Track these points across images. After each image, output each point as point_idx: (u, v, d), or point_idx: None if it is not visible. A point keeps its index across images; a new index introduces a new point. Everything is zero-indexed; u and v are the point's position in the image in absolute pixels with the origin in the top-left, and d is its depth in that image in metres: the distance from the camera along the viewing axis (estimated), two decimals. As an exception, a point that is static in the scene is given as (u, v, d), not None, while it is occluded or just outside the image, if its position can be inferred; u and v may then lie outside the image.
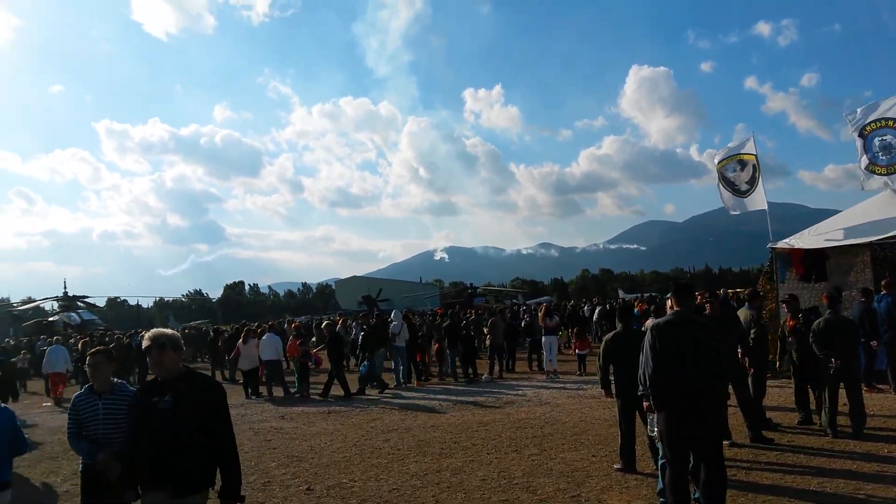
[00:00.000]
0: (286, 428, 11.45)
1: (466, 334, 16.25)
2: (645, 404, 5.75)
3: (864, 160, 12.01)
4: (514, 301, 54.36)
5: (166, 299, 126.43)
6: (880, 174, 11.85)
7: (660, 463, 5.76)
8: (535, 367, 18.56)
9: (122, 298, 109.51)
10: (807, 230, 13.72)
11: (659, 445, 5.74)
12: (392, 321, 16.53)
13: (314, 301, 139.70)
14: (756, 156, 14.13)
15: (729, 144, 14.79)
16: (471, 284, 56.79)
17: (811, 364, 8.78)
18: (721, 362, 5.24)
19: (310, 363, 16.32)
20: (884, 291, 11.42)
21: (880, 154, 11.83)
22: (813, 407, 9.23)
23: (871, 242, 14.47)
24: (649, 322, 8.63)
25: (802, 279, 14.03)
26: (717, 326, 8.37)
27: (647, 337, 5.31)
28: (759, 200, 14.11)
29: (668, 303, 5.76)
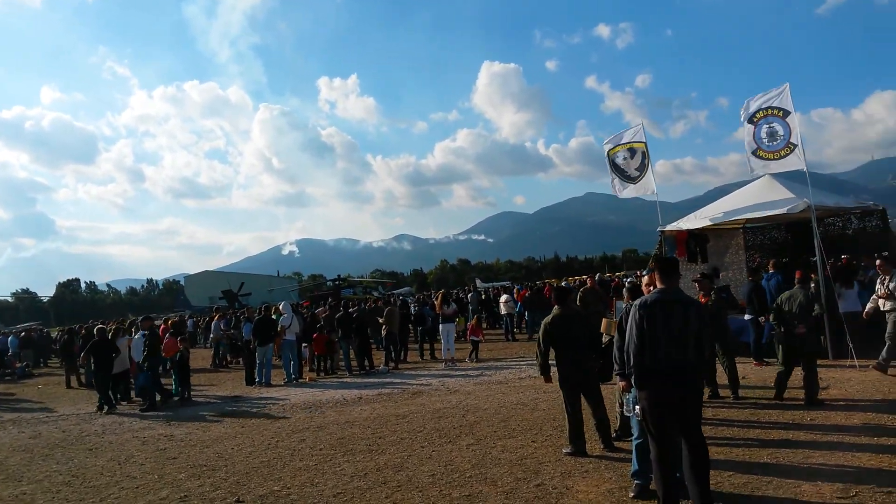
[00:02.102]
0: (178, 435, 10.29)
1: (360, 325, 15.53)
2: (621, 383, 5.53)
3: (752, 145, 12.66)
4: (385, 292, 53.72)
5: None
6: (767, 159, 12.54)
7: (634, 444, 5.57)
8: (426, 356, 18.26)
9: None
10: (693, 213, 14.34)
11: (634, 424, 5.56)
12: (282, 314, 15.54)
13: (161, 298, 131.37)
14: (645, 143, 14.57)
15: (620, 133, 15.12)
16: (338, 276, 55.59)
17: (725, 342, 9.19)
18: (708, 340, 5.10)
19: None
20: (771, 270, 12.13)
21: (766, 140, 12.52)
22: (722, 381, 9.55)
23: (743, 227, 15.45)
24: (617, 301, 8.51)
25: (688, 259, 14.72)
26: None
27: (633, 314, 5.06)
28: (649, 185, 14.56)
29: (645, 280, 5.55)
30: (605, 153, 15.19)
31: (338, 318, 15.88)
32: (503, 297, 22.73)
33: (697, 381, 5.11)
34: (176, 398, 14.15)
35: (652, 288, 5.31)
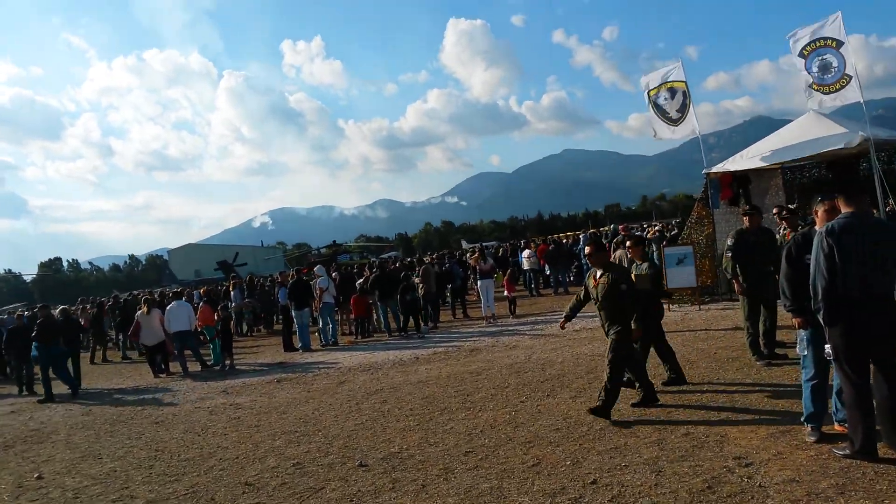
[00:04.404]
0: (243, 403, 9.87)
1: (408, 285, 15.01)
2: (797, 320, 5.17)
3: (808, 79, 12.26)
4: (373, 256, 53.09)
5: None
6: (822, 93, 12.16)
7: (809, 384, 5.21)
8: (458, 314, 17.91)
9: None
10: (739, 154, 13.95)
11: (808, 363, 5.20)
12: (318, 276, 15.06)
13: (146, 274, 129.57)
14: (685, 82, 14.09)
15: (661, 71, 14.61)
16: (333, 241, 54.91)
17: None
18: None
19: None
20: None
21: (820, 73, 12.13)
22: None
23: (781, 167, 15.11)
24: (729, 239, 8.19)
25: (731, 203, 14.40)
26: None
27: (819, 243, 4.68)
28: (690, 128, 14.14)
29: (823, 206, 5.10)
30: (646, 94, 14.69)
31: (374, 278, 15.40)
32: (525, 253, 22.39)
33: None
34: (217, 367, 13.71)
35: (833, 215, 4.91)
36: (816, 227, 5.14)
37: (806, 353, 5.19)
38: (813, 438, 5.13)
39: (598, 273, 6.65)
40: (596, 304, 6.70)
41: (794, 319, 5.19)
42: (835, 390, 5.19)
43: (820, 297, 4.67)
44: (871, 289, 4.55)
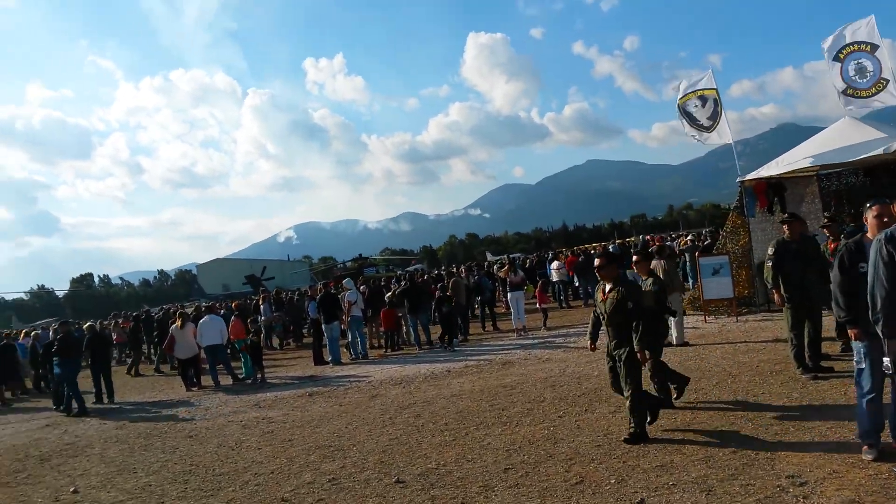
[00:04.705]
0: (276, 417, 9.83)
1: (444, 297, 14.88)
2: (852, 332, 4.97)
3: (841, 85, 12.00)
4: (400, 270, 53.01)
5: (7, 298, 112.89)
6: (859, 97, 11.90)
7: (864, 400, 4.99)
8: (488, 327, 17.74)
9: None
10: (774, 160, 13.66)
11: (865, 377, 4.97)
12: (347, 289, 15.03)
13: (174, 289, 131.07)
14: (716, 90, 13.90)
15: (691, 80, 14.44)
16: (359, 255, 55.17)
17: None
18: None
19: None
20: None
21: (856, 78, 11.87)
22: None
23: (818, 174, 14.75)
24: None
25: (767, 211, 14.10)
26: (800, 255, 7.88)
27: (879, 251, 4.48)
28: (723, 134, 13.93)
29: (873, 211, 4.91)
30: (677, 103, 14.53)
31: (403, 290, 15.33)
32: (554, 264, 22.18)
33: None
34: (248, 381, 13.73)
35: (882, 220, 4.71)
36: (869, 235, 4.97)
37: (862, 366, 4.97)
38: (870, 456, 4.90)
39: (608, 287, 6.45)
40: (603, 319, 6.51)
41: (849, 331, 5.00)
42: (893, 406, 4.97)
43: (879, 307, 4.48)
44: None
